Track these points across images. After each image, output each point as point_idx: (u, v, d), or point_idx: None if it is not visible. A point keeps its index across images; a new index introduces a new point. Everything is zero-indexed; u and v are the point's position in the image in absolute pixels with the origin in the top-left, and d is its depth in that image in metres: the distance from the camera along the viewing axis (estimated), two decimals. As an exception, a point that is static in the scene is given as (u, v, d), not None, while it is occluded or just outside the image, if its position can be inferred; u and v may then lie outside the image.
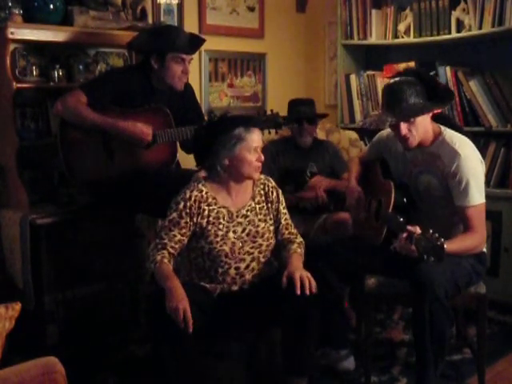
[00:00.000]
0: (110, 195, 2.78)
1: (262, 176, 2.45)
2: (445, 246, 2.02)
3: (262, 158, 2.34)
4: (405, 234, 2.14)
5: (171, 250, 2.24)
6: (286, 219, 2.45)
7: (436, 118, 2.48)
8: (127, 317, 3.01)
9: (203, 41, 2.86)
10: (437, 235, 2.05)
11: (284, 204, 2.45)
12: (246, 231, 2.33)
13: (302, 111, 3.28)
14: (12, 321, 1.82)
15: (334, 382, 2.65)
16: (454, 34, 3.49)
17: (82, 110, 2.65)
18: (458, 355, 2.87)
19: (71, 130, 2.71)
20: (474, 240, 2.33)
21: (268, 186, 2.43)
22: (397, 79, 2.42)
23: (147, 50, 2.75)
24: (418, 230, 2.12)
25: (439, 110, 2.47)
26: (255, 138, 2.30)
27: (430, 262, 2.06)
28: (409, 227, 2.15)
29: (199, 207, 2.30)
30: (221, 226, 2.31)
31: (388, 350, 2.94)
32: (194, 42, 2.80)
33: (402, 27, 3.76)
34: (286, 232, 2.44)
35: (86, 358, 2.73)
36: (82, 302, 2.85)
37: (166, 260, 2.19)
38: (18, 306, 1.83)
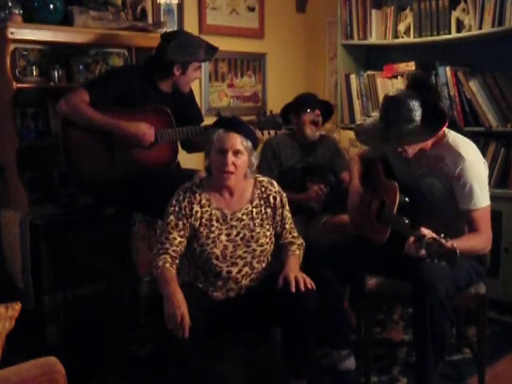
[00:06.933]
0: (110, 195, 2.78)
1: (265, 179, 2.43)
2: (458, 251, 1.99)
3: (228, 163, 2.22)
4: (412, 238, 2.12)
5: (173, 254, 2.24)
6: (290, 224, 2.43)
7: None
8: (127, 317, 3.01)
9: (217, 49, 2.94)
10: (449, 239, 2.03)
11: (288, 208, 2.43)
12: (241, 235, 2.31)
13: (301, 99, 3.28)
14: (12, 321, 1.82)
15: (334, 381, 2.65)
16: (454, 34, 3.49)
17: (85, 109, 2.65)
18: (458, 355, 2.87)
19: (73, 129, 2.71)
20: (479, 241, 2.33)
21: (270, 190, 2.40)
22: (400, 93, 2.41)
23: (175, 61, 2.77)
24: (425, 233, 2.09)
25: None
26: (224, 140, 2.23)
27: (441, 266, 2.04)
28: (421, 231, 2.11)
29: (191, 208, 2.29)
30: (213, 229, 2.29)
31: (388, 350, 2.94)
32: (210, 51, 2.90)
33: (401, 27, 3.76)
34: (290, 236, 2.43)
35: (86, 357, 2.73)
36: (82, 302, 2.85)
37: (167, 265, 2.19)
38: (18, 306, 1.83)
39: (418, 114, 2.33)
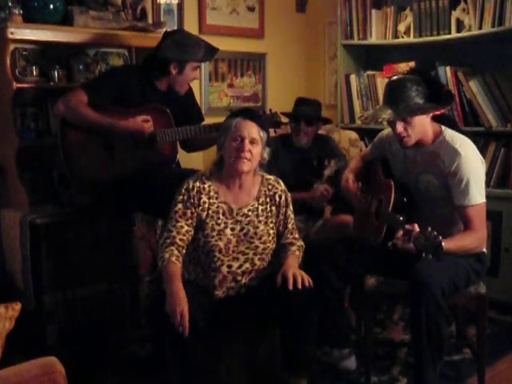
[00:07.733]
0: (110, 195, 2.78)
1: (272, 177, 2.45)
2: (443, 244, 2.02)
3: (246, 149, 2.25)
4: (401, 232, 2.14)
5: (180, 243, 2.24)
6: (292, 224, 2.44)
7: (438, 119, 2.48)
8: (127, 317, 3.01)
9: (217, 50, 2.92)
10: (435, 233, 2.04)
11: (292, 208, 2.44)
12: (244, 230, 2.32)
13: (302, 110, 3.26)
14: (12, 321, 1.82)
15: (334, 381, 2.65)
16: (454, 34, 3.49)
17: (82, 109, 2.65)
18: (458, 355, 2.87)
19: (71, 129, 2.71)
20: (473, 239, 2.33)
21: (276, 188, 2.41)
22: (401, 76, 2.43)
23: (172, 59, 2.75)
24: (416, 227, 2.12)
25: (437, 112, 2.46)
26: (242, 128, 2.27)
27: (428, 260, 2.06)
28: (407, 225, 2.15)
29: (199, 198, 2.30)
30: (219, 221, 2.30)
31: (388, 350, 2.94)
32: (210, 51, 2.88)
33: (401, 27, 3.76)
34: (291, 237, 2.43)
35: (86, 357, 2.74)
36: (82, 302, 2.85)
37: (173, 258, 2.19)
38: (17, 306, 1.83)
39: (418, 94, 2.34)
